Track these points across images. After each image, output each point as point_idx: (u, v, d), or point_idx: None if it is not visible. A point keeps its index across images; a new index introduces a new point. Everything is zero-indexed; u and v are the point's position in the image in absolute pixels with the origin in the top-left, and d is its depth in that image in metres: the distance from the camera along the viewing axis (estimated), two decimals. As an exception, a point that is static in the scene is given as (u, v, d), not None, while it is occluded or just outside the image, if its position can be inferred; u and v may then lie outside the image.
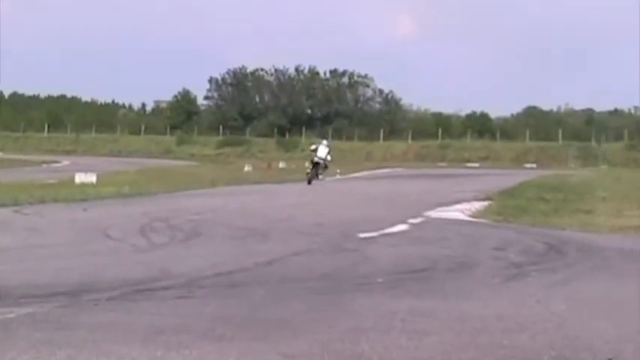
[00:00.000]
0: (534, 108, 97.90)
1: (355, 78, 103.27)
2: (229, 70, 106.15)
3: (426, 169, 57.76)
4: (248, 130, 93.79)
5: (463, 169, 59.56)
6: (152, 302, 8.00)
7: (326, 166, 37.18)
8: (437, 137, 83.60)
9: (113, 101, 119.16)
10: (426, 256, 11.69)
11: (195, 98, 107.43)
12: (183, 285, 8.96)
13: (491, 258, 11.62)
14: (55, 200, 21.64)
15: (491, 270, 10.50)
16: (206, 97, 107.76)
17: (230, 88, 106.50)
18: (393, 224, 16.03)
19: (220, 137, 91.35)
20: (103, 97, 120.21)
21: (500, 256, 11.84)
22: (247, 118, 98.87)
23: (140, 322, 6.98)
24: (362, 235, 14.14)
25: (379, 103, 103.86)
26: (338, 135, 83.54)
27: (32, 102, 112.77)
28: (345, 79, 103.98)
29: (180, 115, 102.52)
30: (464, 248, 12.90)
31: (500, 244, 13.19)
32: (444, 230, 15.56)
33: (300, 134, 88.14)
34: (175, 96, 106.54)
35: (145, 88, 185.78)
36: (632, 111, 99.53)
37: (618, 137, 77.74)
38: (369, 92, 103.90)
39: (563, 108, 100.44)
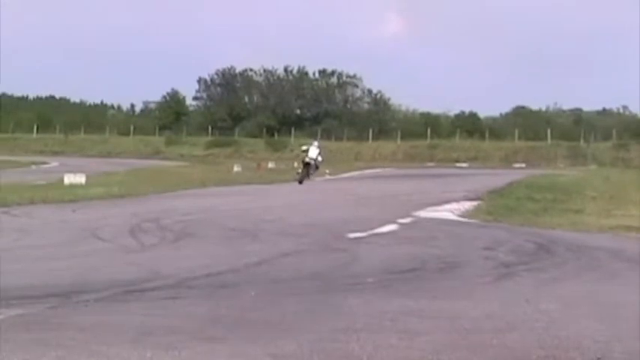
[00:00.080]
0: (523, 108, 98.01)
1: (344, 78, 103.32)
2: (218, 70, 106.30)
3: (415, 169, 57.82)
4: (237, 130, 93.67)
5: (452, 169, 59.60)
6: (142, 303, 8.01)
7: (317, 167, 37.38)
8: (426, 137, 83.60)
9: (102, 102, 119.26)
10: (416, 256, 11.70)
11: (184, 99, 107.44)
12: (173, 286, 8.96)
13: (481, 258, 11.65)
14: (45, 201, 21.57)
15: (481, 270, 10.53)
16: (195, 98, 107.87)
17: (219, 89, 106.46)
18: (382, 224, 16.04)
19: (209, 138, 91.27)
20: (92, 98, 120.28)
21: (490, 255, 11.86)
22: (236, 119, 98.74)
23: (130, 323, 6.98)
24: (352, 236, 14.14)
25: (368, 103, 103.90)
26: (327, 135, 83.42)
27: (21, 103, 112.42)
28: (334, 79, 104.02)
29: (169, 115, 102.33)
30: (454, 248, 12.92)
31: (490, 244, 13.22)
32: (434, 230, 15.57)
33: (289, 134, 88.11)
34: (164, 96, 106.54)
35: (134, 89, 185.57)
36: (621, 110, 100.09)
37: (607, 137, 77.88)
38: (358, 92, 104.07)
39: (551, 108, 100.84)
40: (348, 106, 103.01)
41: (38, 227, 15.66)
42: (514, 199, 23.61)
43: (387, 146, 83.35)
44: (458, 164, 69.40)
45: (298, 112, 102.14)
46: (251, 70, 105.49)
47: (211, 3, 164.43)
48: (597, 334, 6.75)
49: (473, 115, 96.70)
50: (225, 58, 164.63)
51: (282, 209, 20.63)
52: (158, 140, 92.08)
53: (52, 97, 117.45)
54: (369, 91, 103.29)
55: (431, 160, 74.73)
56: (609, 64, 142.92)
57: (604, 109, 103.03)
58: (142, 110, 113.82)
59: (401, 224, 16.48)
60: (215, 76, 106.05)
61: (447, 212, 19.80)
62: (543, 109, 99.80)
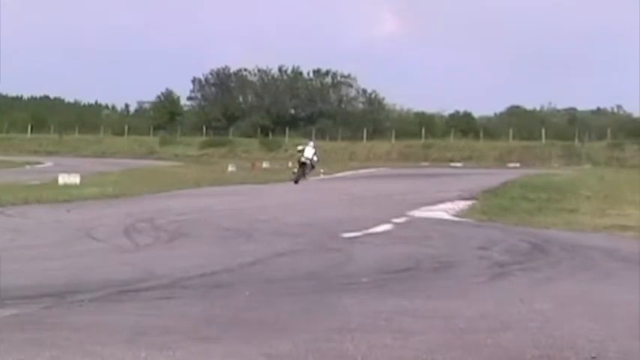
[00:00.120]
0: (517, 107, 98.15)
1: (338, 78, 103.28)
2: (212, 70, 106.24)
3: (409, 169, 57.86)
4: (231, 130, 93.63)
5: (447, 169, 59.63)
6: (136, 303, 8.00)
7: (313, 167, 37.44)
8: (420, 137, 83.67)
9: (96, 102, 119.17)
10: (411, 255, 11.70)
11: (178, 99, 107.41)
12: (168, 286, 8.96)
13: (476, 257, 11.65)
14: (39, 201, 21.54)
15: (476, 269, 10.53)
16: (189, 98, 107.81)
17: (213, 89, 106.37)
18: (377, 224, 16.04)
19: (204, 138, 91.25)
20: (86, 98, 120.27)
21: (485, 255, 11.86)
22: (231, 119, 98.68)
23: (124, 323, 6.97)
24: (346, 235, 14.14)
25: (362, 102, 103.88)
26: (322, 135, 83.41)
27: (15, 103, 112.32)
28: (329, 79, 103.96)
29: (164, 115, 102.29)
30: (448, 248, 12.92)
31: (485, 244, 13.21)
32: (429, 230, 15.57)
33: (284, 134, 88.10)
34: (159, 96, 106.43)
35: (129, 89, 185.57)
36: (615, 110, 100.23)
37: (601, 136, 77.99)
38: (353, 92, 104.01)
39: (546, 107, 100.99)
40: (343, 105, 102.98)
41: (32, 227, 15.63)
42: (508, 198, 23.62)
43: (381, 146, 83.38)
44: (452, 164, 69.44)
45: (292, 112, 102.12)
46: (245, 70, 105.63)
47: (206, 3, 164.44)
48: (592, 333, 6.75)
49: (467, 115, 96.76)
50: (220, 58, 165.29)
51: (277, 209, 20.62)
52: (152, 140, 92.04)
53: (47, 97, 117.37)
54: (364, 91, 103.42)
55: (425, 160, 74.77)
56: (603, 63, 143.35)
57: (598, 109, 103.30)
58: (136, 110, 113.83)
59: (395, 224, 16.48)
60: (209, 76, 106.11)
61: (442, 212, 19.80)
62: (538, 108, 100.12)
